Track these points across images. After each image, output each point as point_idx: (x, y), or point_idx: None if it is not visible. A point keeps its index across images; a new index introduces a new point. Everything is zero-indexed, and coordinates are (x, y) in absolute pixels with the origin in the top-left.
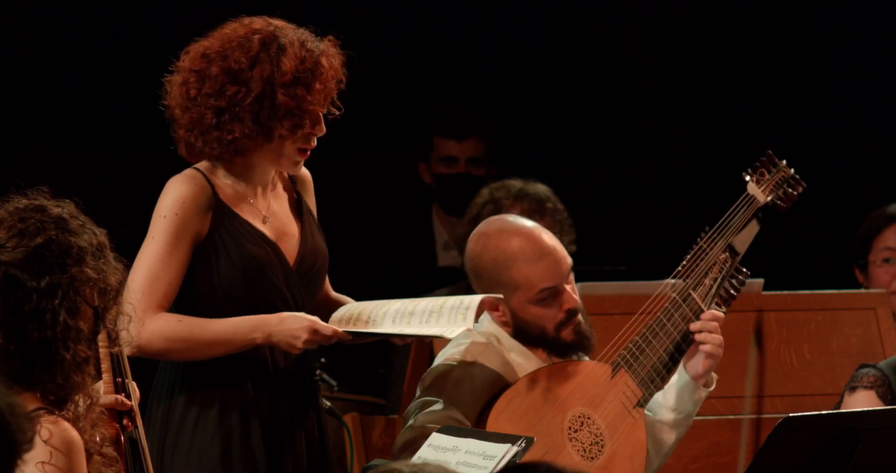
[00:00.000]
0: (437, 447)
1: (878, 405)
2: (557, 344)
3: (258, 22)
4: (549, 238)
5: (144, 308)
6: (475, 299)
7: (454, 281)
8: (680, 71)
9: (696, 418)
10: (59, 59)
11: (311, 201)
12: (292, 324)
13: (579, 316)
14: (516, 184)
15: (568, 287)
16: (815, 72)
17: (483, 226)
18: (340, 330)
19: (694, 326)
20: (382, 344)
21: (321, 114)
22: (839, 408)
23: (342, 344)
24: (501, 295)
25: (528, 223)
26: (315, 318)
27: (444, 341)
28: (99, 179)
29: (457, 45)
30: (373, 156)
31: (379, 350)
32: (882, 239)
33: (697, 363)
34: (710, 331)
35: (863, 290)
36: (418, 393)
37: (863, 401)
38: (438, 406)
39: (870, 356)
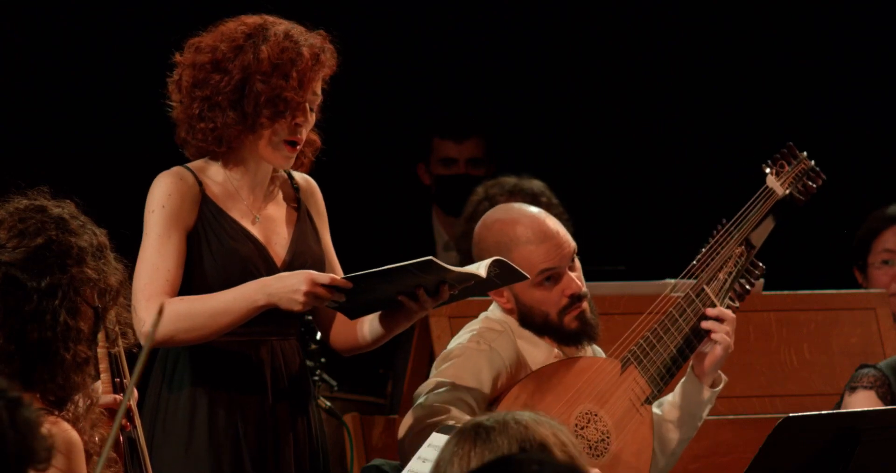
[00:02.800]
0: (436, 447)
1: (878, 405)
2: (561, 331)
3: (252, 18)
4: (552, 223)
5: (148, 296)
6: (493, 258)
7: None
8: (680, 73)
9: None
10: (60, 58)
11: (316, 212)
12: (289, 279)
13: (584, 304)
14: (510, 180)
15: (573, 274)
16: (815, 73)
17: (491, 212)
18: (339, 277)
19: (705, 324)
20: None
21: (304, 104)
22: (839, 408)
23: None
24: (529, 277)
25: (534, 209)
26: (311, 270)
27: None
28: (99, 179)
29: (455, 46)
30: (372, 158)
31: (379, 350)
32: (881, 240)
33: (703, 359)
34: (721, 324)
35: (863, 290)
36: (432, 373)
37: (863, 401)
38: (449, 388)
39: (870, 356)
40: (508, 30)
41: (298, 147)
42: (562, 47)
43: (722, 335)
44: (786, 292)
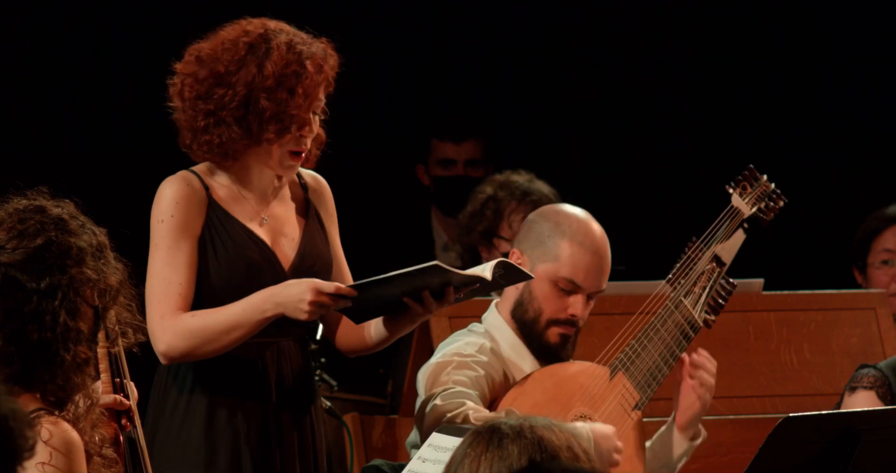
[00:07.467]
0: (436, 447)
1: (878, 405)
2: (540, 339)
3: (253, 24)
4: (608, 252)
5: (161, 314)
6: (497, 259)
7: None
8: (677, 69)
9: None
10: (60, 59)
11: (324, 211)
12: (295, 288)
13: (574, 330)
14: (521, 184)
15: (589, 302)
16: (816, 72)
17: (556, 205)
18: (344, 286)
19: (687, 371)
20: None
21: (309, 117)
22: (839, 408)
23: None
24: (533, 277)
25: (601, 232)
26: (316, 279)
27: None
28: (99, 179)
29: (454, 46)
30: (372, 158)
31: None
32: (881, 240)
33: (684, 411)
34: (703, 371)
35: (863, 290)
36: (424, 389)
37: (863, 401)
38: (457, 389)
39: (870, 356)
40: (508, 30)
41: (303, 155)
42: (561, 47)
43: (702, 391)
44: (786, 292)
